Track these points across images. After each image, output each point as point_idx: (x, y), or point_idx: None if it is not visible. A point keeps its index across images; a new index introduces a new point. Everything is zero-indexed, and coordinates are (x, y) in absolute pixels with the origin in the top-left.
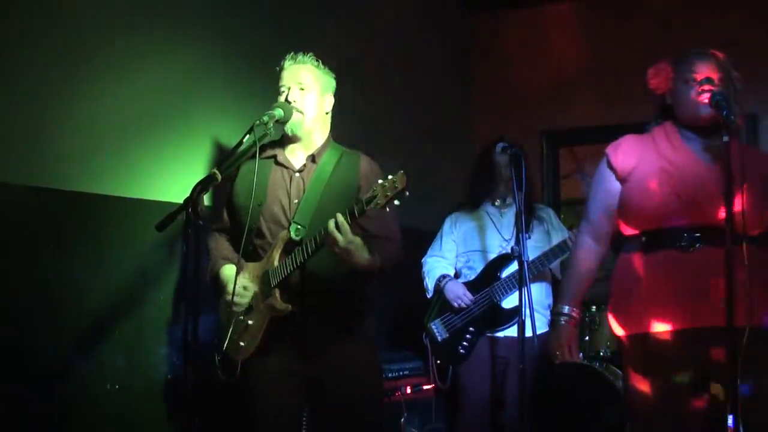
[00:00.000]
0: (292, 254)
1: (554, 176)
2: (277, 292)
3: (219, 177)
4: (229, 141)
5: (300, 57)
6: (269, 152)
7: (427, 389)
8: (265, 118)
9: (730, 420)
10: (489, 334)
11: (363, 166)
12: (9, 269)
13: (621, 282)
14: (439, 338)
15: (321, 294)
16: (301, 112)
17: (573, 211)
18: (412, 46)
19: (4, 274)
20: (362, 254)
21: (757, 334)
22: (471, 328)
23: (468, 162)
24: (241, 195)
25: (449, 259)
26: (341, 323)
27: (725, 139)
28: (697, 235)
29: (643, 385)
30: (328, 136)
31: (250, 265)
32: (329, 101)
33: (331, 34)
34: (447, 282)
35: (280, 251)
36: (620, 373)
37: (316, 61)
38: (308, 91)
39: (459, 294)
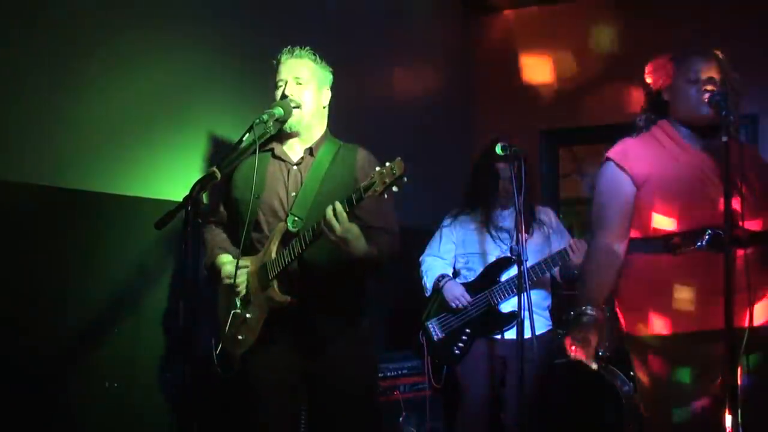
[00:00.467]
0: (290, 245)
1: (554, 176)
2: (275, 284)
3: (218, 175)
4: (227, 139)
5: (297, 51)
6: (267, 146)
7: (425, 388)
8: (265, 117)
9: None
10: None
11: (360, 159)
12: (5, 267)
13: (641, 283)
14: (435, 338)
15: (319, 285)
16: (298, 105)
17: (572, 211)
18: (412, 46)
19: (0, 271)
20: (360, 244)
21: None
22: (467, 330)
23: (468, 162)
24: (239, 188)
25: (447, 259)
26: (339, 315)
27: (724, 139)
28: (720, 233)
29: (669, 387)
30: (326, 130)
31: (248, 258)
32: (326, 95)
33: (331, 33)
34: (446, 282)
35: (277, 243)
36: (620, 373)
37: (314, 55)
38: (306, 85)
39: (457, 295)
